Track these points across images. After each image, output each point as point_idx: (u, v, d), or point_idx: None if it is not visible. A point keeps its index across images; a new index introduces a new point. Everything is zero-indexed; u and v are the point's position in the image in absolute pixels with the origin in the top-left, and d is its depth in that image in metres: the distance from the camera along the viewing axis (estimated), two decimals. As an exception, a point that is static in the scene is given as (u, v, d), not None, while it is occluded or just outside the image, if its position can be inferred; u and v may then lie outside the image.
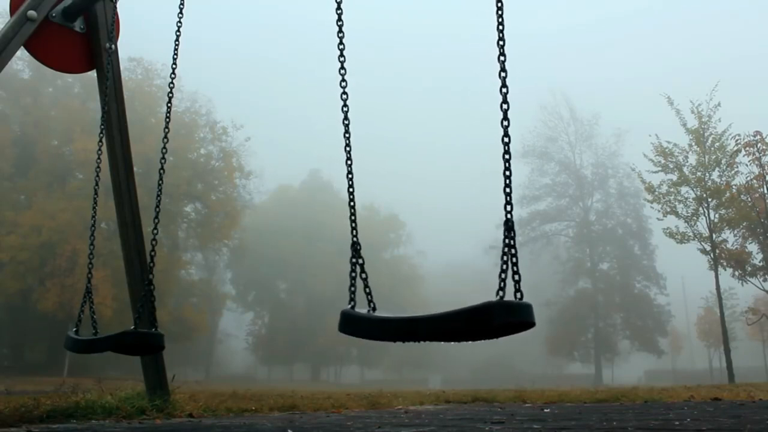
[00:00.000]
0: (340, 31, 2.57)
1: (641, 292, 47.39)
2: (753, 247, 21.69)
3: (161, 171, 3.64)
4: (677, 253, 29.30)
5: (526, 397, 7.60)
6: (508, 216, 1.95)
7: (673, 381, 34.39)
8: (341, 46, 2.56)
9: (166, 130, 3.71)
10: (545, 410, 5.12)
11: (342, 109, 2.53)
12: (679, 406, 5.33)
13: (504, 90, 2.03)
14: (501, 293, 1.84)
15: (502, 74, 2.04)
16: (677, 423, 3.31)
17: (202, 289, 44.72)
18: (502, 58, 2.05)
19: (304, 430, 3.26)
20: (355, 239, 2.38)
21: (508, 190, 1.97)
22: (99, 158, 4.05)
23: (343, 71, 2.55)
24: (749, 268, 21.45)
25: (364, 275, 2.31)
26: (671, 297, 48.54)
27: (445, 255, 71.05)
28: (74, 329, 3.66)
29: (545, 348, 49.14)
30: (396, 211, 61.23)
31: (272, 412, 5.10)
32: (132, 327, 3.54)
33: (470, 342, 2.14)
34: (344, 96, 2.54)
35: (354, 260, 2.32)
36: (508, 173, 1.98)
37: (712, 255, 21.16)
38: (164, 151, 3.66)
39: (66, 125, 33.21)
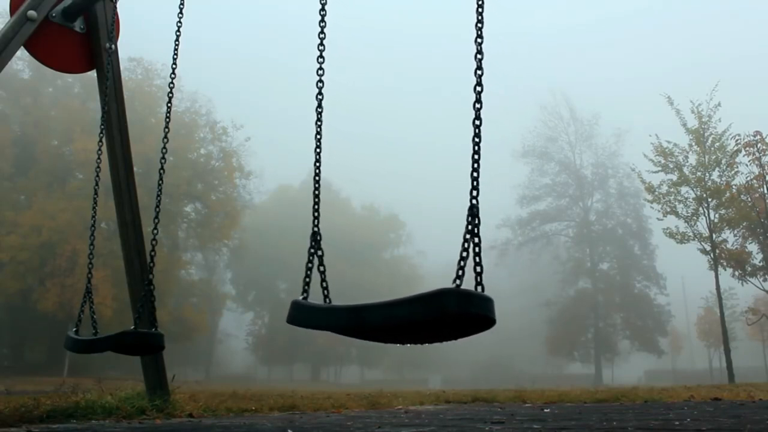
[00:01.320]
0: (322, 32, 2.57)
1: (641, 292, 47.38)
2: (753, 247, 21.69)
3: (161, 171, 3.64)
4: (677, 253, 29.30)
5: (526, 397, 7.60)
6: (474, 202, 1.85)
7: (673, 381, 34.39)
8: (321, 47, 2.55)
9: (166, 130, 3.71)
10: (545, 410, 5.12)
11: (316, 96, 2.51)
12: (679, 406, 5.33)
13: (479, 89, 1.98)
14: (458, 281, 1.73)
15: (479, 72, 2.00)
16: (677, 423, 3.31)
17: (202, 289, 44.71)
18: (479, 56, 2.02)
19: (304, 430, 3.26)
20: (315, 229, 2.33)
21: (475, 174, 1.89)
22: (99, 158, 4.06)
23: (321, 59, 2.54)
24: (749, 268, 21.44)
25: (322, 268, 2.25)
26: (671, 297, 48.55)
27: (445, 255, 70.96)
28: (74, 329, 3.66)
29: (545, 348, 49.15)
30: (396, 211, 61.27)
31: (272, 412, 5.11)
32: (132, 327, 3.54)
33: (428, 343, 2.03)
34: (320, 84, 2.52)
35: (312, 251, 2.27)
36: (476, 157, 1.91)
37: (712, 255, 21.16)
38: (164, 151, 3.66)
39: (66, 125, 33.20)
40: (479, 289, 1.75)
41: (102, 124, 4.27)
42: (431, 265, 63.99)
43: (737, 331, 43.09)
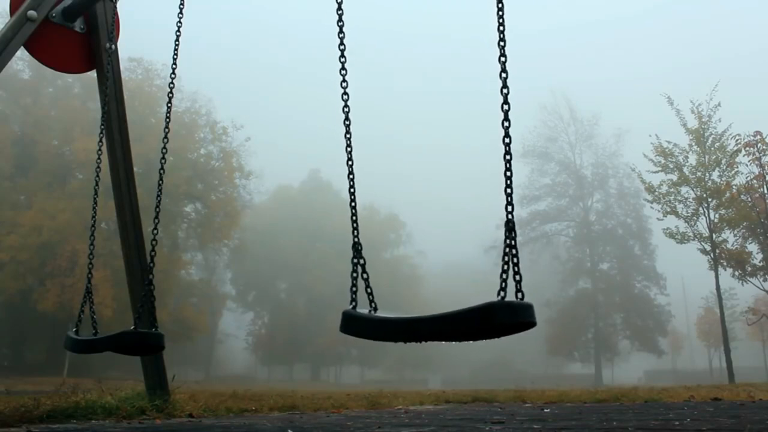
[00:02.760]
0: (341, 31, 2.57)
1: (641, 292, 47.38)
2: (753, 247, 21.69)
3: (161, 171, 3.63)
4: (677, 253, 29.31)
5: (526, 397, 7.60)
6: (509, 217, 1.95)
7: (673, 381, 34.36)
8: (342, 47, 2.55)
9: (166, 130, 3.71)
10: (545, 410, 5.12)
11: (343, 109, 2.52)
12: (679, 406, 5.33)
13: (505, 91, 2.03)
14: (502, 293, 1.85)
15: (503, 75, 2.04)
16: (677, 423, 3.31)
17: (202, 289, 44.71)
18: (503, 59, 2.05)
19: (304, 430, 3.26)
20: (356, 239, 2.38)
21: (509, 190, 1.98)
22: (99, 158, 4.05)
23: (344, 72, 2.54)
24: (749, 268, 21.43)
25: (365, 275, 2.31)
26: (671, 297, 48.54)
27: (445, 255, 71.02)
28: (74, 329, 3.65)
29: (545, 348, 49.12)
30: (396, 211, 61.25)
31: (272, 412, 5.10)
32: (132, 327, 3.54)
33: (471, 341, 2.14)
34: (345, 97, 2.53)
35: (355, 260, 2.32)
36: (509, 173, 1.98)
37: (712, 255, 21.16)
38: (164, 151, 3.66)
39: (66, 125, 33.20)
40: (519, 296, 1.88)
41: (102, 124, 4.27)
42: (431, 265, 64.09)
43: (737, 331, 43.09)
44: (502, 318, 1.80)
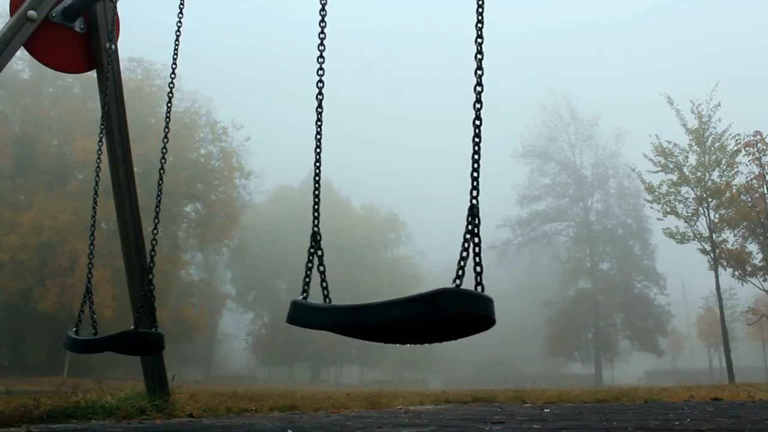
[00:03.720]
0: (322, 32, 2.56)
1: (641, 292, 47.38)
2: (753, 247, 21.68)
3: (161, 171, 3.64)
4: (677, 253, 29.31)
5: (526, 397, 7.61)
6: (474, 201, 1.85)
7: (673, 381, 34.36)
8: (322, 47, 2.54)
9: (166, 130, 3.71)
10: (545, 410, 5.12)
11: (317, 96, 2.50)
12: (679, 406, 5.33)
13: (479, 89, 1.98)
14: (458, 281, 1.73)
15: (479, 72, 2.00)
16: (677, 423, 3.31)
17: (202, 289, 44.71)
18: (479, 56, 2.02)
19: (304, 430, 3.26)
20: (315, 229, 2.33)
21: (475, 174, 1.89)
22: (99, 158, 4.06)
23: (321, 59, 2.52)
24: (749, 268, 21.43)
25: (322, 268, 2.25)
26: (671, 297, 48.54)
27: (445, 255, 70.96)
28: (74, 329, 3.66)
29: (545, 348, 49.13)
30: (396, 211, 61.25)
31: (272, 412, 5.11)
32: (132, 327, 3.54)
33: (430, 343, 2.03)
34: (320, 84, 2.51)
35: (312, 251, 2.27)
36: (477, 157, 1.91)
37: (712, 255, 21.15)
38: (164, 151, 3.66)
39: (66, 125, 33.20)
40: (479, 289, 1.75)
41: (102, 124, 4.27)
42: (431, 265, 64.02)
43: (737, 331, 43.08)
44: (453, 306, 1.65)
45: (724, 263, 21.38)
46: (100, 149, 4.09)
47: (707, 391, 8.98)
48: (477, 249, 1.80)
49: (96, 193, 4.06)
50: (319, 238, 2.30)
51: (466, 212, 1.84)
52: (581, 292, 48.46)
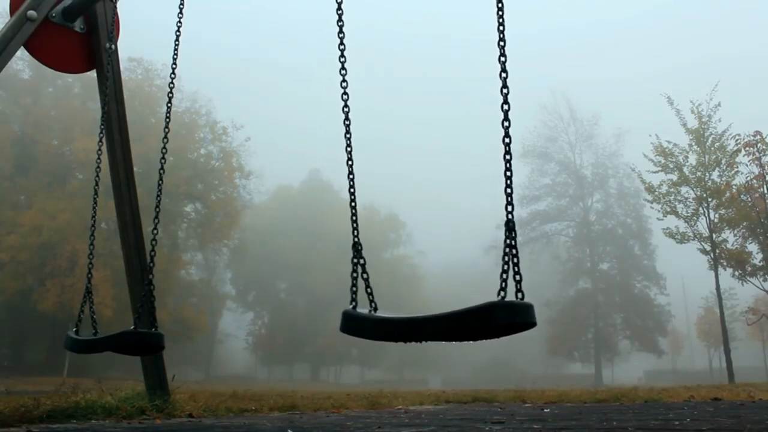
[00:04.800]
0: (341, 31, 2.57)
1: (641, 292, 47.38)
2: (753, 247, 21.68)
3: (161, 171, 3.63)
4: (677, 253, 29.31)
5: (526, 397, 7.61)
6: (509, 217, 1.95)
7: (673, 381, 34.35)
8: (342, 47, 2.55)
9: (166, 130, 3.71)
10: (545, 410, 5.12)
11: (343, 109, 2.52)
12: (679, 406, 5.33)
13: (505, 91, 2.03)
14: (503, 293, 1.85)
15: (503, 75, 2.03)
16: (677, 423, 3.31)
17: (202, 289, 44.70)
18: (503, 59, 2.05)
19: (304, 430, 3.26)
20: (356, 239, 2.38)
21: (509, 190, 1.98)
22: (99, 158, 4.06)
23: (343, 71, 2.54)
24: (749, 268, 21.43)
25: (365, 275, 2.31)
26: (671, 297, 48.54)
27: (445, 255, 71.02)
28: (74, 329, 3.66)
29: (545, 348, 49.11)
30: (396, 211, 61.25)
31: (272, 412, 5.11)
32: (132, 327, 3.54)
33: (471, 342, 2.14)
34: (345, 97, 2.53)
35: (355, 260, 2.32)
36: (509, 173, 1.98)
37: (712, 255, 21.16)
38: (164, 151, 3.66)
39: (66, 125, 33.19)
40: (519, 296, 1.88)
41: (102, 124, 4.27)
42: (431, 265, 64.10)
43: (737, 331, 43.09)
44: (503, 318, 1.80)
45: (724, 263, 21.38)
46: (100, 149, 4.09)
47: (707, 391, 8.98)
48: (516, 260, 1.91)
49: (96, 193, 4.06)
50: (360, 248, 2.36)
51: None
52: (581, 292, 48.46)
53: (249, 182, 42.19)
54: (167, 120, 3.74)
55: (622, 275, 47.88)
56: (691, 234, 21.69)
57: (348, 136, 2.53)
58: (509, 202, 1.97)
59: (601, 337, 46.36)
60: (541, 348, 50.02)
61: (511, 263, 1.90)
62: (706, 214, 21.44)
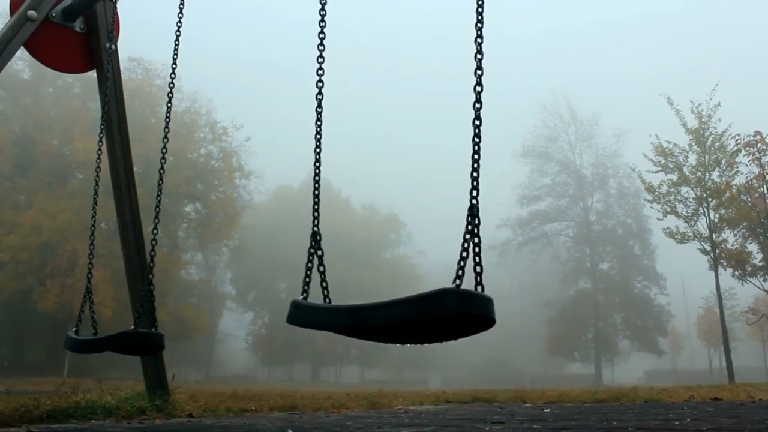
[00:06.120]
0: (322, 32, 2.56)
1: (641, 292, 47.38)
2: (753, 247, 21.67)
3: (161, 171, 3.64)
4: (677, 253, 29.30)
5: (526, 397, 7.61)
6: (473, 202, 1.85)
7: (673, 381, 34.34)
8: (321, 47, 2.53)
9: (166, 130, 3.71)
10: (545, 410, 5.12)
11: (316, 96, 2.50)
12: (679, 406, 5.33)
13: (479, 89, 1.98)
14: (458, 281, 1.73)
15: (479, 72, 2.00)
16: (677, 423, 3.31)
17: (202, 289, 44.70)
18: (479, 56, 2.01)
19: (304, 430, 3.26)
20: (315, 229, 2.32)
21: (475, 174, 1.88)
22: (99, 158, 4.06)
23: (321, 59, 2.52)
24: (749, 268, 21.42)
25: (321, 268, 2.24)
26: (671, 297, 48.53)
27: (445, 255, 70.94)
28: (74, 329, 3.66)
29: (545, 348, 49.13)
30: (396, 211, 61.24)
31: (272, 412, 5.11)
32: (132, 327, 3.54)
33: (429, 343, 2.03)
34: (320, 84, 2.51)
35: (312, 251, 2.26)
36: (476, 157, 1.90)
37: (712, 255, 21.15)
38: (164, 151, 3.66)
39: (66, 125, 33.20)
40: (479, 289, 1.75)
41: (102, 124, 4.27)
42: (431, 265, 63.99)
43: (737, 331, 43.08)
44: (453, 306, 1.66)
45: (724, 263, 21.37)
46: (100, 149, 4.09)
47: (707, 391, 8.98)
48: (477, 249, 1.79)
49: (96, 193, 4.06)
50: (319, 238, 2.30)
51: (466, 212, 1.84)
52: (581, 292, 48.45)
53: (249, 182, 42.26)
54: (167, 120, 3.74)
55: (622, 275, 47.88)
56: (691, 234, 21.69)
57: (319, 123, 2.51)
58: (474, 187, 1.86)
59: (601, 337, 46.35)
60: (540, 348, 50.05)
61: (471, 251, 1.78)
62: (706, 214, 21.44)
